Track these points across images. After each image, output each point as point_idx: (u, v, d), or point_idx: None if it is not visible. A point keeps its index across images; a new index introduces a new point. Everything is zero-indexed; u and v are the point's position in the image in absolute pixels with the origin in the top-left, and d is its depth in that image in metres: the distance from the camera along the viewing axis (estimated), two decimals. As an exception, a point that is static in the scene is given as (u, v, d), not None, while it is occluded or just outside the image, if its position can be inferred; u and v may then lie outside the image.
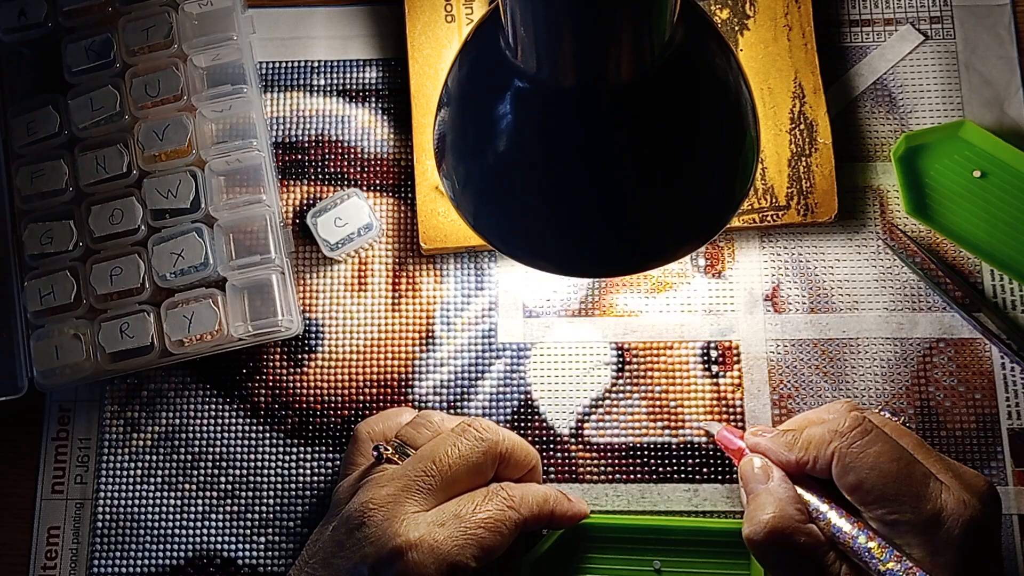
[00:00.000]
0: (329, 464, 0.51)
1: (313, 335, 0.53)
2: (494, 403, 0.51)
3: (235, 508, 0.51)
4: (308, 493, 0.51)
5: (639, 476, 0.50)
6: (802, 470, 0.44)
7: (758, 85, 0.53)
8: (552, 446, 0.51)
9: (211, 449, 0.51)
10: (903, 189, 0.52)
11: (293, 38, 0.57)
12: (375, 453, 0.45)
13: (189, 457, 0.51)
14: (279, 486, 0.51)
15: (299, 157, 0.55)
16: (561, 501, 0.47)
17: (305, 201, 0.54)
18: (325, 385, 0.52)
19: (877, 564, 0.40)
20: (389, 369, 0.52)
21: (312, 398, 0.52)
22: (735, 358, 0.51)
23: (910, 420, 0.50)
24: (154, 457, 0.52)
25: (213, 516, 0.51)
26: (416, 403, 0.51)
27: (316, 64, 0.56)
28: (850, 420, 0.43)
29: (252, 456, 0.51)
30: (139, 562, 0.50)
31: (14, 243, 0.53)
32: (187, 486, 0.51)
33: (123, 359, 0.50)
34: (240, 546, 0.50)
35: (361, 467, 0.46)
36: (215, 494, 0.51)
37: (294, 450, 0.51)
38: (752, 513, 0.43)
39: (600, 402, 0.51)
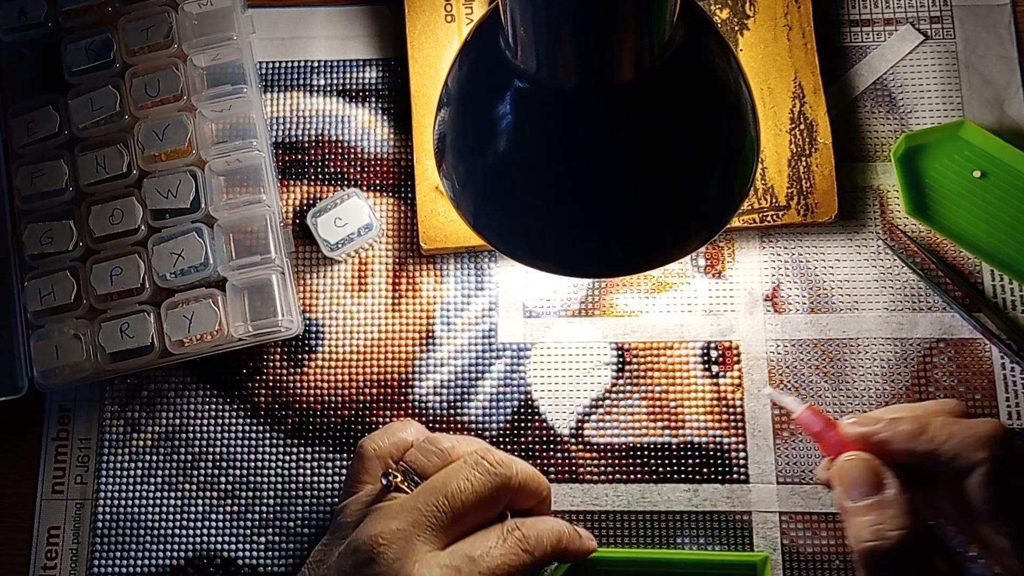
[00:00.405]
0: (329, 464, 0.51)
1: (313, 335, 0.53)
2: (494, 403, 0.51)
3: (235, 508, 0.51)
4: (308, 493, 0.51)
5: (639, 476, 0.50)
6: (920, 462, 0.41)
7: (758, 85, 0.53)
8: (552, 446, 0.51)
9: (211, 449, 0.51)
10: (903, 189, 0.52)
11: (293, 38, 0.57)
12: (384, 481, 0.44)
13: (189, 457, 0.51)
14: (279, 486, 0.51)
15: (299, 157, 0.55)
16: (573, 539, 0.46)
17: (305, 201, 0.54)
18: (325, 385, 0.52)
19: None
20: (389, 369, 0.52)
21: (312, 398, 0.52)
22: (735, 358, 0.51)
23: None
24: (154, 457, 0.52)
25: (213, 516, 0.51)
26: (416, 403, 0.51)
27: (316, 64, 0.56)
28: (1003, 431, 0.41)
29: (252, 456, 0.51)
30: (139, 562, 0.50)
31: (14, 243, 0.53)
32: (187, 486, 0.51)
33: (123, 359, 0.50)
34: (240, 546, 0.50)
35: (367, 487, 0.45)
36: (215, 494, 0.51)
37: (294, 450, 0.51)
38: (872, 526, 0.40)
39: (600, 402, 0.51)
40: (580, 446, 0.51)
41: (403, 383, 0.52)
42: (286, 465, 0.51)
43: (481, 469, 0.43)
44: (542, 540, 0.44)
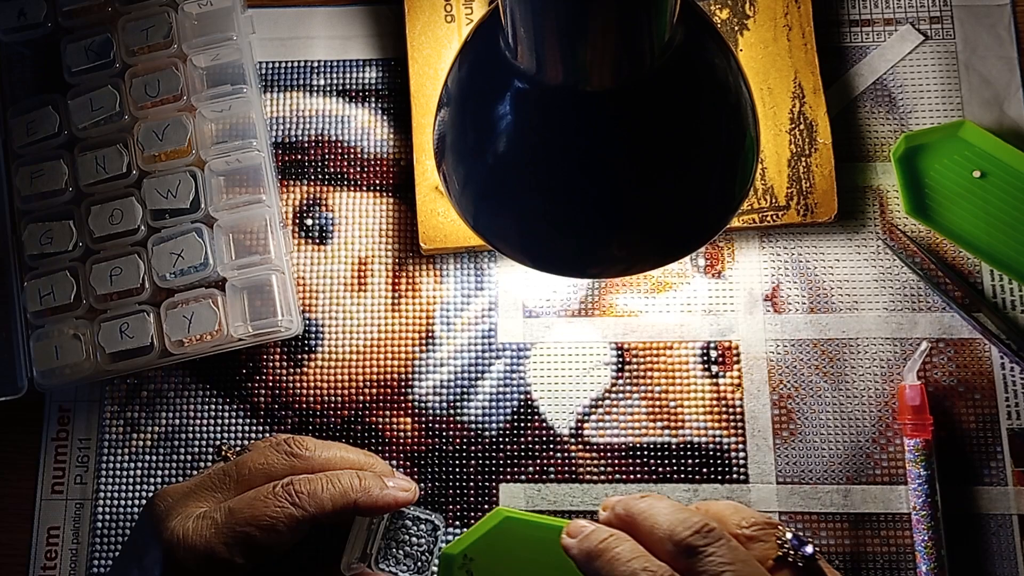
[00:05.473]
0: (329, 464, 0.51)
1: (313, 335, 0.53)
2: (494, 403, 0.51)
3: (235, 508, 0.51)
4: (308, 493, 0.51)
5: (639, 476, 0.50)
6: None
7: (758, 85, 0.53)
8: (552, 446, 0.51)
9: (211, 449, 0.51)
10: (903, 189, 0.52)
11: (293, 38, 0.57)
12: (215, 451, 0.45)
13: (189, 457, 0.51)
14: (279, 486, 0.51)
15: (299, 157, 0.55)
16: (369, 490, 0.44)
17: (305, 201, 0.54)
18: (325, 385, 0.52)
19: None
20: (389, 369, 0.52)
21: (312, 398, 0.52)
22: (735, 358, 0.51)
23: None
24: (154, 457, 0.52)
25: (213, 516, 0.50)
26: (415, 403, 0.51)
27: (316, 64, 0.56)
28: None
29: (252, 456, 0.51)
30: (139, 562, 0.50)
31: (14, 243, 0.53)
32: (187, 486, 0.51)
33: (123, 359, 0.50)
34: (240, 546, 0.50)
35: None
36: (215, 494, 0.51)
37: (294, 450, 0.51)
38: None
39: (600, 402, 0.51)
40: (580, 446, 0.51)
41: (403, 383, 0.52)
42: (286, 465, 0.51)
43: (280, 449, 0.45)
44: (319, 494, 0.43)
